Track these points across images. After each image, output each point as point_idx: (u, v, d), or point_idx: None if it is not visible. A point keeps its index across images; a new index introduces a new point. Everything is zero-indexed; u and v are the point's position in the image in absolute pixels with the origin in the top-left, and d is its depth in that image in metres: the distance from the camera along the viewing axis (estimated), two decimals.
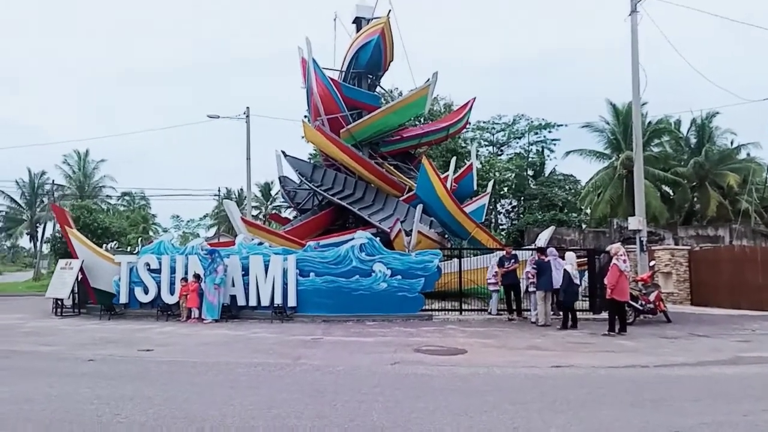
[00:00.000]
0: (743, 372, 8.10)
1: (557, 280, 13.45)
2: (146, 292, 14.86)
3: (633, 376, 7.56)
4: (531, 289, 14.04)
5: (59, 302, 15.52)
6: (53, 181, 49.50)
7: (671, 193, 35.72)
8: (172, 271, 14.78)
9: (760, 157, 35.29)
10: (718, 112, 34.98)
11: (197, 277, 14.22)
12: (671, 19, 17.40)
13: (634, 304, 13.30)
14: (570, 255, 12.98)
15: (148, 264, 14.97)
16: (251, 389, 6.53)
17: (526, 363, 8.41)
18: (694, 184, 34.49)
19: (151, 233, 50.79)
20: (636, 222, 15.89)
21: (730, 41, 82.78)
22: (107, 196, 54.23)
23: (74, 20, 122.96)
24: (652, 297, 13.96)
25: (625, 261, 11.93)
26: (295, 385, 6.77)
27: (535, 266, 13.78)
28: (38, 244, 51.31)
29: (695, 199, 35.08)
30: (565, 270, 12.59)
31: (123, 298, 14.86)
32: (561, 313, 14.17)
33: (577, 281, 12.99)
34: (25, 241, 60.32)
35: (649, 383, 7.05)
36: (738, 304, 18.14)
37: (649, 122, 34.73)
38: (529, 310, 14.41)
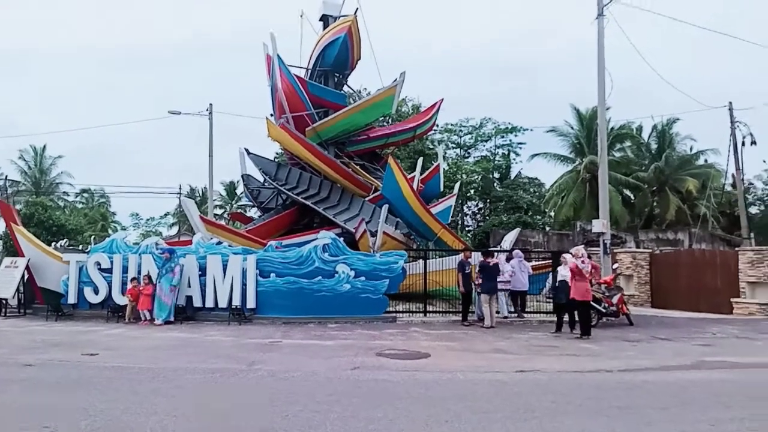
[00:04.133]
0: (707, 377, 8.01)
1: (522, 282, 13.37)
2: (96, 292, 14.17)
3: (598, 382, 7.38)
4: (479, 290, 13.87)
5: (3, 302, 14.69)
6: (6, 176, 47.57)
7: (632, 197, 36.38)
8: (125, 270, 14.12)
9: (719, 163, 36.19)
10: (678, 119, 35.85)
11: (149, 277, 13.61)
12: (636, 26, 17.54)
13: (597, 306, 13.24)
14: (568, 256, 12.70)
15: (98, 263, 14.28)
16: (198, 398, 6.12)
17: (490, 367, 8.18)
18: (654, 188, 35.19)
19: (110, 231, 49.26)
20: (600, 225, 15.93)
21: (692, 49, 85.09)
22: (64, 192, 52.41)
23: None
24: (615, 299, 13.93)
25: (584, 262, 11.92)
26: (247, 393, 6.38)
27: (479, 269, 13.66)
28: None
29: (655, 203, 35.79)
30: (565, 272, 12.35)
31: (72, 299, 14.15)
32: (519, 314, 14.17)
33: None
34: None
35: (614, 389, 6.88)
36: (697, 306, 18.35)
37: (612, 127, 35.23)
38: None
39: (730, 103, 27.41)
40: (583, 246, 13.28)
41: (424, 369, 8.04)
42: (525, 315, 15.24)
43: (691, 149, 37.19)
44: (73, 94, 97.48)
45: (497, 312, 13.19)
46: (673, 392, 6.83)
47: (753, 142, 26.21)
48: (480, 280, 13.44)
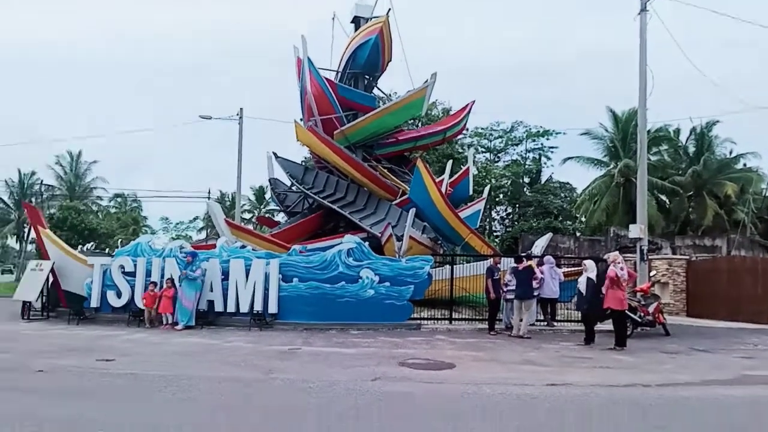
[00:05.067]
0: (752, 394, 7.44)
1: (553, 290, 12.83)
2: (119, 296, 14.10)
3: (635, 397, 6.87)
4: (509, 296, 13.43)
5: (27, 305, 14.74)
6: (41, 181, 48.74)
7: (668, 202, 35.22)
8: (148, 274, 14.04)
9: (760, 167, 34.88)
10: (718, 121, 34.59)
11: (171, 281, 13.48)
12: (677, 24, 16.82)
13: (632, 315, 12.62)
14: (590, 263, 12.17)
15: (122, 266, 14.22)
16: (209, 411, 5.81)
17: (519, 380, 7.70)
18: (691, 193, 34.00)
19: (140, 235, 49.98)
20: (637, 230, 15.20)
21: (735, 52, 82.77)
22: (98, 197, 53.47)
23: (74, 14, 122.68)
24: (651, 309, 13.29)
25: (622, 269, 11.32)
26: (261, 405, 6.07)
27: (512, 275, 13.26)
28: (24, 244, 50.45)
29: (691, 208, 34.56)
30: (589, 279, 11.80)
31: (94, 302, 14.09)
32: (548, 323, 13.71)
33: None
34: (14, 242, 59.44)
35: (654, 406, 6.38)
36: (736, 316, 17.54)
37: (649, 130, 34.06)
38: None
39: None
40: (617, 251, 12.65)
41: (448, 381, 7.63)
42: (555, 323, 14.67)
43: (730, 152, 35.87)
44: (109, 101, 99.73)
45: (520, 320, 12.80)
46: (717, 410, 6.30)
47: None
48: (510, 286, 13.01)
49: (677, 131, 36.67)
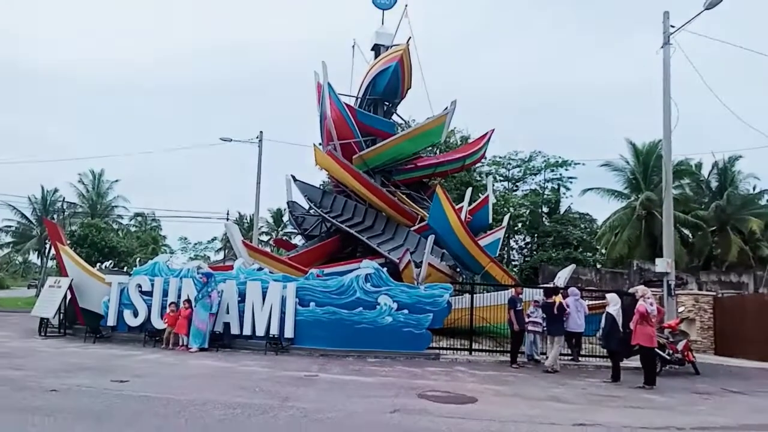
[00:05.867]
0: None
1: (578, 323, 12.45)
2: (136, 315, 14.00)
3: None
4: (531, 328, 13.22)
5: (45, 322, 14.67)
6: (64, 198, 49.38)
7: (691, 237, 34.53)
8: (165, 294, 13.93)
9: None
10: (741, 156, 34.20)
11: (189, 302, 13.32)
12: (700, 57, 16.64)
13: (661, 353, 12.17)
14: (613, 297, 11.78)
15: (140, 285, 14.13)
16: None
17: (545, 418, 7.35)
18: (714, 228, 33.32)
19: (159, 254, 50.25)
20: (664, 264, 14.78)
21: (756, 85, 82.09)
22: (119, 216, 54.01)
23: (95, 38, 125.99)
24: (680, 346, 12.82)
25: (652, 304, 10.90)
26: None
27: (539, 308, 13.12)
28: (45, 260, 50.89)
29: (715, 243, 33.84)
30: (608, 313, 11.42)
31: (111, 321, 14.01)
32: (575, 357, 13.38)
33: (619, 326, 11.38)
34: (36, 257, 60.10)
35: None
36: (766, 356, 16.84)
37: None
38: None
39: None
40: (644, 286, 12.26)
41: (470, 416, 7.29)
42: (580, 358, 14.16)
43: (754, 188, 35.32)
44: (132, 123, 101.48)
45: (521, 352, 12.62)
46: None
47: None
48: (533, 317, 12.80)
49: (699, 165, 36.24)
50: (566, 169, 40.04)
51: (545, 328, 13.25)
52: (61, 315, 14.89)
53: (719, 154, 36.13)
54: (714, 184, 35.75)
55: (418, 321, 13.55)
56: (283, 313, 13.45)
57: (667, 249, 15.33)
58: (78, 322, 15.01)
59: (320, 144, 21.05)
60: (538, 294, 14.15)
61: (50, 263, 48.53)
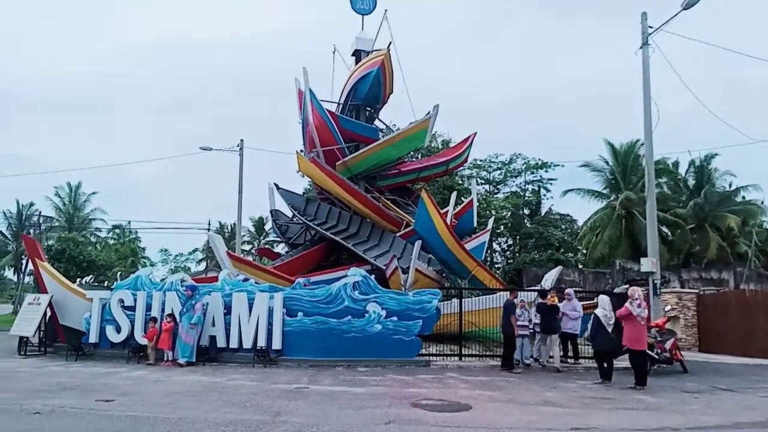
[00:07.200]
0: None
1: (571, 326, 12.50)
2: (118, 331, 13.64)
3: None
4: (521, 332, 13.07)
5: (24, 340, 14.26)
6: (40, 212, 48.39)
7: (670, 235, 34.99)
8: (148, 308, 13.62)
9: (760, 199, 34.84)
10: (717, 154, 34.70)
11: (172, 316, 13.06)
12: (677, 57, 16.83)
13: (649, 352, 12.21)
14: (603, 298, 11.74)
15: (122, 300, 13.81)
16: None
17: (542, 424, 7.31)
18: (693, 225, 33.81)
19: (139, 267, 49.45)
20: (649, 263, 14.88)
21: (722, 81, 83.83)
22: (96, 228, 53.08)
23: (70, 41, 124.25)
24: (668, 345, 12.90)
25: (640, 305, 10.86)
26: None
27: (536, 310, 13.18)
28: (22, 276, 49.87)
29: (694, 240, 34.34)
30: (594, 315, 11.42)
31: (93, 337, 13.63)
32: (575, 359, 13.40)
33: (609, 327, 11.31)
34: (11, 273, 58.87)
35: None
36: (749, 351, 17.06)
37: None
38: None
39: None
40: (635, 286, 12.28)
41: (467, 425, 7.21)
42: (570, 360, 14.11)
43: (730, 185, 35.90)
44: (110, 132, 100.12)
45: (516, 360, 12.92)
46: None
47: None
48: (521, 320, 12.83)
49: (676, 164, 36.82)
50: (546, 171, 40.37)
51: (535, 330, 13.27)
52: (41, 333, 14.46)
53: (695, 152, 36.61)
54: (691, 182, 36.28)
55: (408, 328, 13.41)
56: (270, 324, 13.21)
57: (651, 249, 15.46)
58: (59, 339, 14.62)
59: (302, 151, 20.89)
60: (526, 296, 14.17)
61: (27, 279, 47.55)
